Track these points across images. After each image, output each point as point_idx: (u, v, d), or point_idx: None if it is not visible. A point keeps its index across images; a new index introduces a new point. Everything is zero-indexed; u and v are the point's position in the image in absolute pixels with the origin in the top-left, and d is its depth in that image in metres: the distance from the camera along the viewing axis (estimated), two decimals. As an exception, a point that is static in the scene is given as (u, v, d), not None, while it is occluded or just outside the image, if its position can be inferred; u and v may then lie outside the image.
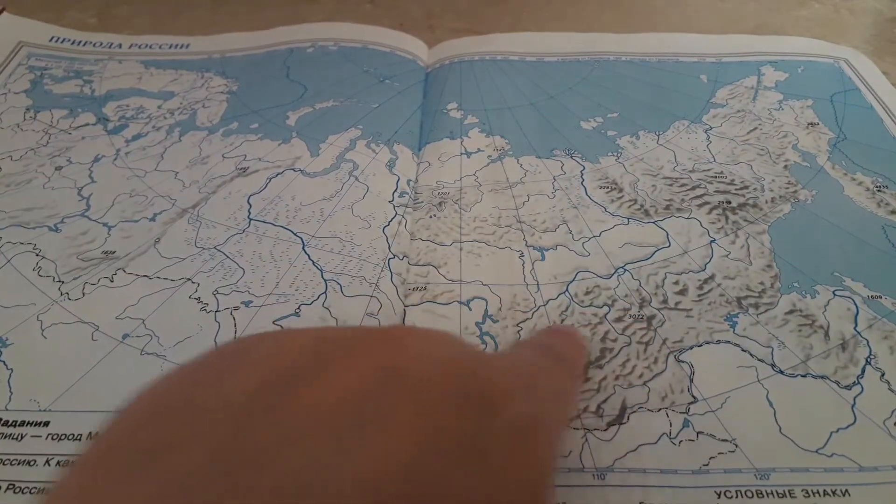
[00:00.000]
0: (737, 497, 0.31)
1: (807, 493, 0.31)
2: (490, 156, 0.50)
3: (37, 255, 0.42)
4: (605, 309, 0.39)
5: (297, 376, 0.20)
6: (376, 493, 0.17)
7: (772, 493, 0.31)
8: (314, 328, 0.23)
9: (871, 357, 0.36)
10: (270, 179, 0.48)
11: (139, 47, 0.63)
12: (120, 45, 0.63)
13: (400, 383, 0.20)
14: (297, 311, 0.39)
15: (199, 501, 0.16)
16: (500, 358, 0.29)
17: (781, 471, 0.31)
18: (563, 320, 0.38)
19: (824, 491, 0.31)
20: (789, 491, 0.31)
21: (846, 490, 0.31)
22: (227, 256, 0.42)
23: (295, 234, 0.44)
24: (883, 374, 0.35)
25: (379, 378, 0.20)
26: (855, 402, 0.34)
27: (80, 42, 0.63)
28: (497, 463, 0.20)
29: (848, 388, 0.35)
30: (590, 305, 0.39)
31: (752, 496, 0.31)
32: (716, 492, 0.31)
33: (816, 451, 0.32)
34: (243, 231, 0.44)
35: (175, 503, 0.16)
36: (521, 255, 0.42)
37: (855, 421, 0.33)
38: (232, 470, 0.17)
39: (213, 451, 0.17)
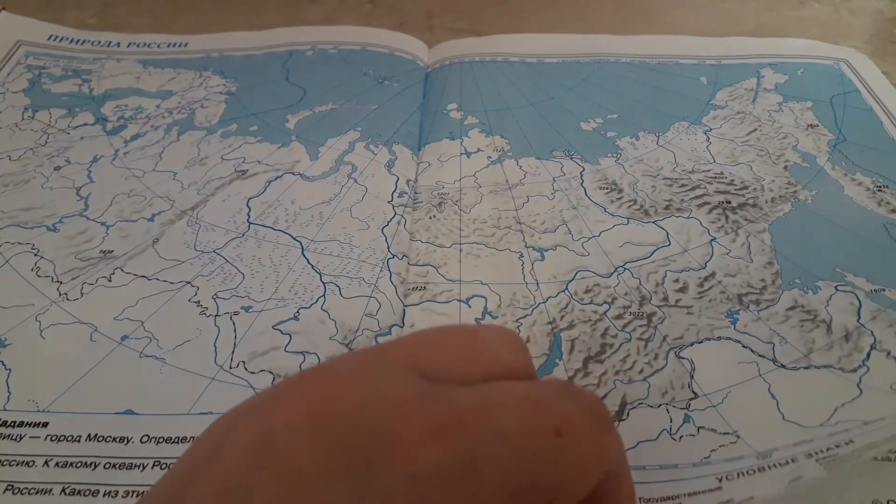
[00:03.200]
0: (738, 477, 0.30)
1: (809, 454, 0.30)
2: (490, 156, 0.50)
3: (35, 255, 0.42)
4: (605, 306, 0.39)
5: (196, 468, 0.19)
6: None
7: (773, 466, 0.30)
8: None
9: (877, 342, 0.36)
10: (270, 183, 0.48)
11: (137, 46, 0.63)
12: (118, 44, 0.63)
13: (268, 459, 0.18)
14: (297, 314, 0.39)
15: None
16: (445, 390, 0.20)
17: (784, 448, 0.31)
18: (562, 317, 0.38)
19: (827, 448, 0.31)
20: (792, 458, 0.30)
21: (850, 440, 0.31)
22: (227, 261, 0.42)
23: (294, 239, 0.43)
24: (889, 353, 0.36)
25: (250, 456, 0.18)
26: (861, 381, 0.34)
27: (78, 41, 0.63)
28: None
29: (853, 371, 0.35)
30: (589, 303, 0.39)
31: (754, 473, 0.30)
32: (717, 477, 0.31)
33: (820, 426, 0.32)
34: (243, 235, 0.44)
35: None
36: (521, 255, 0.42)
37: (861, 394, 0.34)
38: None
39: None
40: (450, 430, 0.18)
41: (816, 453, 0.30)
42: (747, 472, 0.31)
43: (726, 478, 0.31)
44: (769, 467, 0.31)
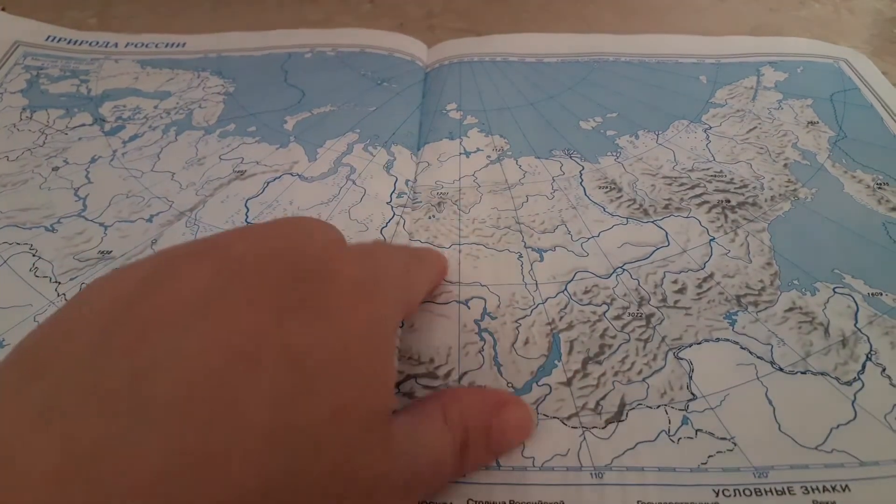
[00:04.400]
0: (735, 496, 0.30)
1: (806, 489, 0.30)
2: (489, 156, 0.50)
3: (33, 255, 0.42)
4: (604, 307, 0.39)
5: (152, 282, 0.23)
6: (222, 361, 0.21)
7: (770, 491, 0.30)
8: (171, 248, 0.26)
9: (872, 353, 0.36)
10: (268, 183, 0.47)
11: (135, 46, 0.62)
12: (116, 44, 0.62)
13: (237, 273, 0.24)
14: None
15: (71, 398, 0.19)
16: (342, 242, 0.30)
17: (780, 468, 0.31)
18: (561, 318, 0.38)
19: (824, 487, 0.30)
20: (788, 488, 0.30)
21: (846, 485, 0.31)
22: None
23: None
24: (884, 370, 0.35)
25: (219, 272, 0.24)
26: (855, 398, 0.34)
27: (75, 41, 0.63)
28: (338, 316, 0.25)
29: (848, 384, 0.35)
30: (588, 304, 0.39)
31: (751, 494, 0.30)
32: (714, 490, 0.31)
33: (816, 448, 0.32)
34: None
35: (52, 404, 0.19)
36: (520, 256, 0.42)
37: (855, 417, 0.33)
38: (97, 364, 0.20)
39: (78, 360, 0.20)
40: (364, 259, 0.29)
41: (813, 490, 0.30)
42: (744, 492, 0.30)
43: (723, 493, 0.30)
44: (766, 492, 0.30)
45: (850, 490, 0.30)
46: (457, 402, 0.31)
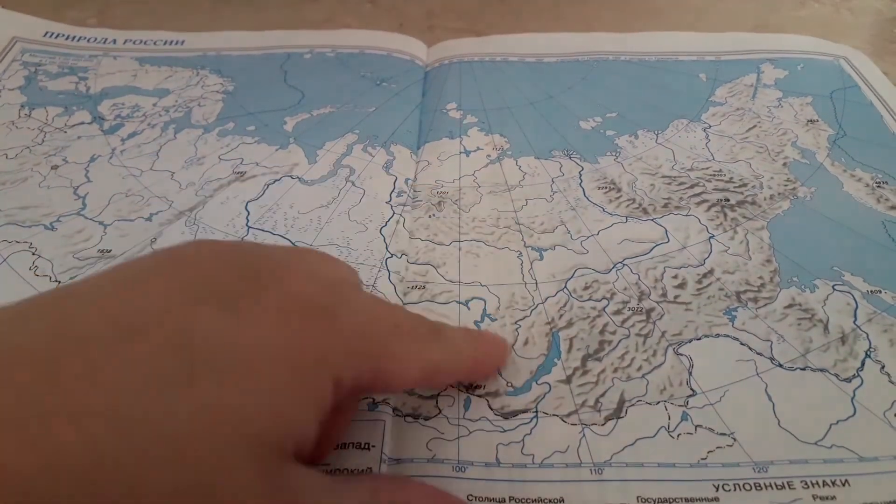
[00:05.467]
0: (735, 490, 0.30)
1: (806, 483, 0.30)
2: (489, 155, 0.50)
3: (33, 253, 0.42)
4: (604, 302, 0.39)
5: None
6: (106, 327, 0.21)
7: (770, 486, 0.30)
8: None
9: (871, 350, 0.36)
10: (268, 186, 0.47)
11: (133, 43, 0.62)
12: (114, 41, 0.62)
13: (181, 263, 0.25)
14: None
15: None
16: (352, 283, 0.30)
17: (780, 463, 0.31)
18: (561, 316, 0.38)
19: (823, 481, 0.30)
20: (788, 483, 0.30)
21: (846, 480, 0.31)
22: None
23: (293, 244, 0.43)
24: (883, 367, 0.35)
25: (166, 260, 0.25)
26: (854, 395, 0.34)
27: (74, 37, 0.62)
28: (262, 320, 0.24)
29: (847, 380, 0.35)
30: (588, 300, 0.39)
31: (751, 489, 0.30)
32: (714, 485, 0.31)
33: (815, 443, 0.32)
34: (242, 239, 0.44)
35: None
36: (520, 254, 0.42)
37: (854, 413, 0.33)
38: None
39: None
40: (319, 279, 0.27)
41: (813, 485, 0.30)
42: (744, 486, 0.30)
43: (723, 487, 0.30)
44: (766, 486, 0.30)
45: (849, 485, 0.30)
46: (395, 490, 0.28)
